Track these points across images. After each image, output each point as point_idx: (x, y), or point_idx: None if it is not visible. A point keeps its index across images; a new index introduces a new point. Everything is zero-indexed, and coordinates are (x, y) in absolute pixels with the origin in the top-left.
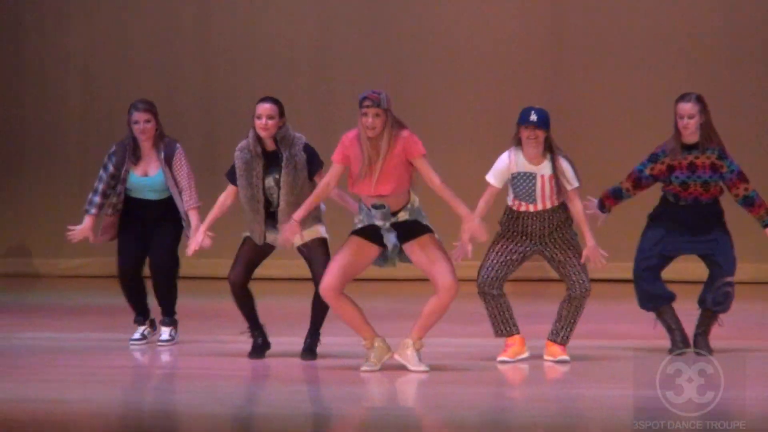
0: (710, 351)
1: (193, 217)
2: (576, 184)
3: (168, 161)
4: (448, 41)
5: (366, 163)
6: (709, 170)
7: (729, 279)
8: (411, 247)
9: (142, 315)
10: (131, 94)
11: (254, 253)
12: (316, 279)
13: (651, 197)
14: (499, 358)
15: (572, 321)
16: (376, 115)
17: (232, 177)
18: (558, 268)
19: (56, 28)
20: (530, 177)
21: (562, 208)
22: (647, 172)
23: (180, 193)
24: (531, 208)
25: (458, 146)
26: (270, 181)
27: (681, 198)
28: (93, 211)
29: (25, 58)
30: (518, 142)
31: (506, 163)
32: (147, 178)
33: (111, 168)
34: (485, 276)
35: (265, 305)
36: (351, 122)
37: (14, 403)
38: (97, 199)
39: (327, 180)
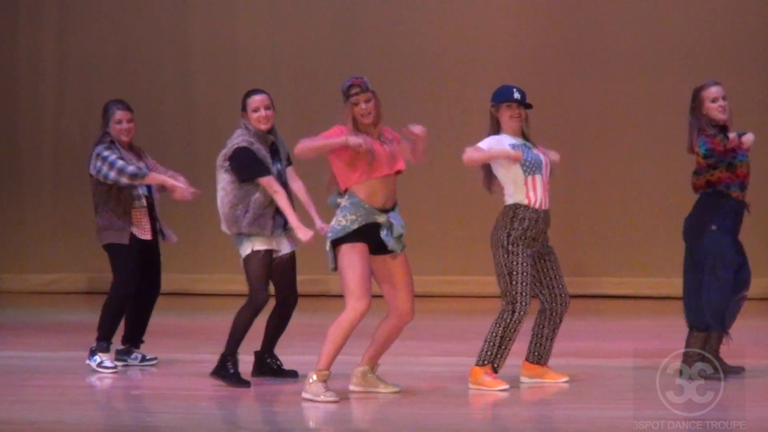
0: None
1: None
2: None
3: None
4: (432, 44)
5: (375, 147)
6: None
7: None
8: (397, 259)
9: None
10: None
11: (270, 266)
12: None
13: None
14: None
15: (553, 337)
16: (368, 100)
17: (262, 170)
18: (547, 272)
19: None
20: (527, 145)
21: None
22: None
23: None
24: (539, 182)
25: (448, 147)
26: (274, 170)
27: (745, 185)
28: (146, 170)
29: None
30: (495, 125)
31: (495, 137)
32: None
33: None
34: (527, 296)
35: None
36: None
37: None
38: (132, 168)
39: None
